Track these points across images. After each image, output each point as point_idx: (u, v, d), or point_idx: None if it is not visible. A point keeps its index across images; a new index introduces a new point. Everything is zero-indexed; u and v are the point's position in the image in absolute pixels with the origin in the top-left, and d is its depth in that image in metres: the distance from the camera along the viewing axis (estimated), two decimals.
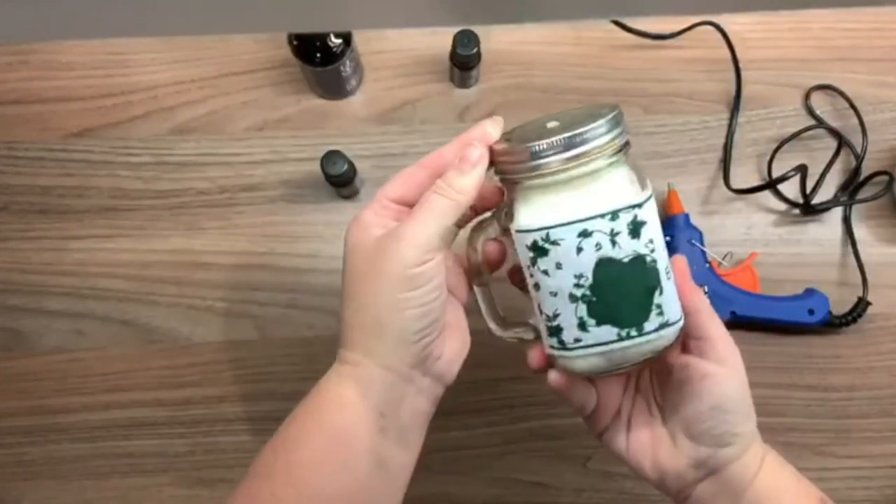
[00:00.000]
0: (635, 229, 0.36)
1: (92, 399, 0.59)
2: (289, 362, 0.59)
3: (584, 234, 0.36)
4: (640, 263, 0.37)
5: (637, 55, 0.63)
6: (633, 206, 0.36)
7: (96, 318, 0.60)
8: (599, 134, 0.36)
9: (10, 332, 0.60)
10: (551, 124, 0.38)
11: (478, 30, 0.57)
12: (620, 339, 0.37)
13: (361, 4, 0.22)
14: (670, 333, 0.38)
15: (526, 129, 0.40)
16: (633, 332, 0.37)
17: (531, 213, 0.37)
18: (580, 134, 0.35)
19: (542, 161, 0.36)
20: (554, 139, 0.35)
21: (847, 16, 0.64)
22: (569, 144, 0.35)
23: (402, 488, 0.40)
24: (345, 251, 0.40)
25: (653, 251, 0.37)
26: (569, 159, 0.36)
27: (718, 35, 0.62)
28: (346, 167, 0.55)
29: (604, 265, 0.36)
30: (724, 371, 0.40)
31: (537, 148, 0.36)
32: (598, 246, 0.36)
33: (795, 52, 0.63)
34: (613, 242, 0.36)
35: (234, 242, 0.60)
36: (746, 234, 0.61)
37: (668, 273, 0.38)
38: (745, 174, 0.62)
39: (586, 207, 0.36)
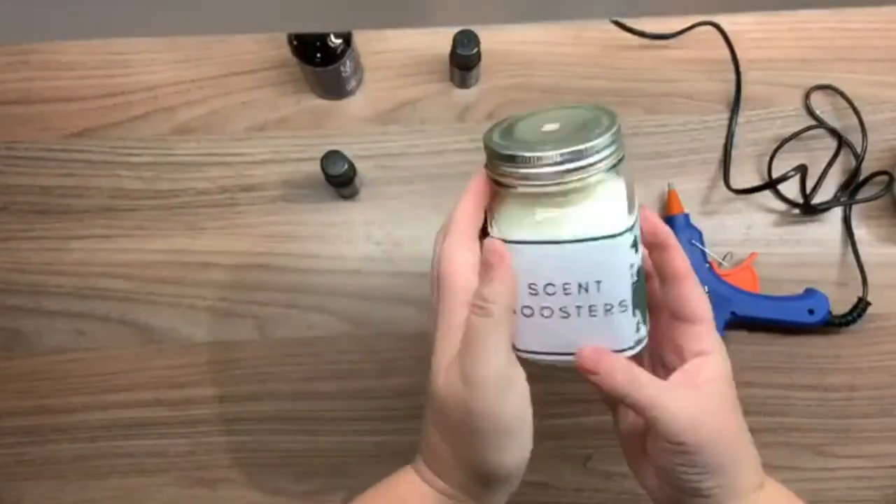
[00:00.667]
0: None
1: (92, 399, 0.59)
2: (289, 362, 0.59)
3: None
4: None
5: (637, 55, 0.63)
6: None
7: (96, 318, 0.60)
8: (598, 149, 0.34)
9: (10, 332, 0.60)
10: (549, 127, 0.37)
11: (478, 30, 0.57)
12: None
13: (362, 4, 0.22)
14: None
15: (524, 123, 0.38)
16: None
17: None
18: (578, 151, 0.34)
19: (533, 171, 0.34)
20: (551, 153, 0.34)
21: (847, 16, 0.64)
22: (565, 160, 0.34)
23: None
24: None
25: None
26: (562, 173, 0.34)
27: (718, 35, 0.62)
28: (346, 167, 0.55)
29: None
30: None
31: (530, 158, 0.34)
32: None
33: (795, 52, 0.63)
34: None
35: (234, 242, 0.60)
36: (746, 234, 0.61)
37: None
38: (745, 174, 0.62)
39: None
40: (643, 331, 0.38)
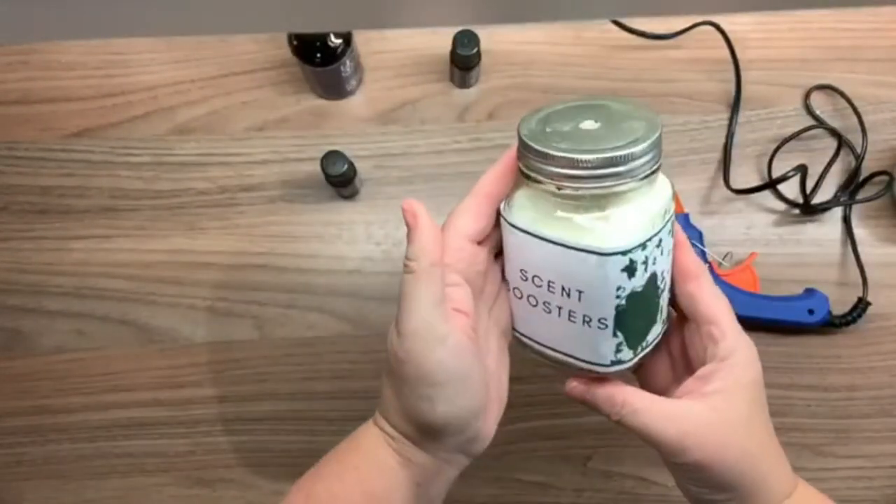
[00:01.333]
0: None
1: (92, 399, 0.59)
2: (289, 362, 0.59)
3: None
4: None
5: (637, 55, 0.63)
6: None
7: (96, 318, 0.60)
8: (639, 155, 0.33)
9: (10, 332, 0.60)
10: (587, 124, 0.35)
11: (478, 30, 0.57)
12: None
13: (362, 4, 0.22)
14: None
15: (560, 117, 0.37)
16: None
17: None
18: (620, 157, 0.32)
19: (572, 172, 0.33)
20: (593, 157, 0.32)
21: (847, 16, 0.64)
22: (606, 163, 0.32)
23: None
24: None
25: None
26: (600, 178, 0.33)
27: (718, 35, 0.62)
28: (346, 167, 0.55)
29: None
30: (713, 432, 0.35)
31: (572, 160, 0.33)
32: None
33: (795, 52, 0.63)
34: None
35: (234, 242, 0.60)
36: (746, 234, 0.61)
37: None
38: (745, 174, 0.62)
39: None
40: (626, 355, 0.37)
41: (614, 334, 0.36)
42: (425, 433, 0.37)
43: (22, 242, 0.60)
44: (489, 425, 0.39)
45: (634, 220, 0.34)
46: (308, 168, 0.61)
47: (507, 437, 0.59)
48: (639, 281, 0.35)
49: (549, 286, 0.36)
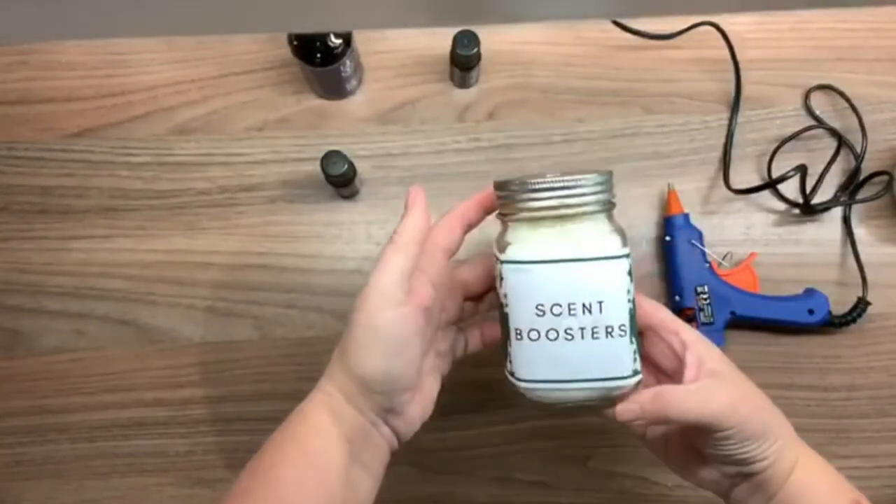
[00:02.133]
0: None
1: (92, 399, 0.59)
2: (289, 362, 0.59)
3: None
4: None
5: (637, 55, 0.63)
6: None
7: (96, 318, 0.60)
8: (588, 184, 0.39)
9: (10, 332, 0.60)
10: (551, 174, 0.41)
11: (478, 30, 0.57)
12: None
13: (361, 4, 0.22)
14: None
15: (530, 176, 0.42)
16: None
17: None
18: (571, 180, 0.39)
19: (529, 196, 0.39)
20: (544, 179, 0.39)
21: (847, 16, 0.64)
22: (556, 186, 0.39)
23: None
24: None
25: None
26: (555, 198, 0.39)
27: (718, 35, 0.62)
28: (346, 167, 0.55)
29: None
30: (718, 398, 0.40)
31: (526, 185, 0.39)
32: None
33: (795, 52, 0.63)
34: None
35: (234, 242, 0.60)
36: (746, 234, 0.61)
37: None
38: (745, 174, 0.62)
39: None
40: (639, 364, 0.40)
41: (630, 341, 0.39)
42: (358, 383, 0.40)
43: (22, 242, 0.60)
44: (413, 413, 0.42)
45: (619, 229, 0.41)
46: (308, 168, 0.61)
47: (508, 437, 0.59)
48: (633, 284, 0.40)
49: (569, 309, 0.39)
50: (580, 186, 0.39)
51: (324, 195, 0.61)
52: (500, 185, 0.41)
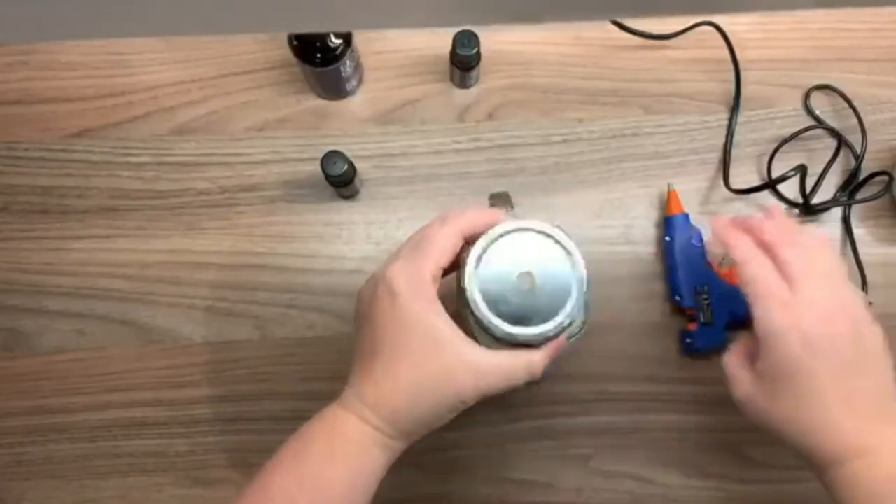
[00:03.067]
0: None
1: (92, 399, 0.59)
2: (289, 362, 0.60)
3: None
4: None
5: (637, 55, 0.63)
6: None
7: (96, 318, 0.60)
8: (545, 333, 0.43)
9: (10, 332, 0.60)
10: (522, 276, 0.43)
11: (478, 30, 0.57)
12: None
13: (361, 4, 0.22)
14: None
15: (498, 255, 0.44)
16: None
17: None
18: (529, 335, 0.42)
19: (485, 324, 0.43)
20: (503, 329, 0.42)
21: (847, 16, 0.64)
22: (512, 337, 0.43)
23: None
24: (391, 304, 0.41)
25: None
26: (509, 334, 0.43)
27: (718, 35, 0.62)
28: (346, 167, 0.55)
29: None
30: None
31: (485, 321, 0.42)
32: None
33: (795, 53, 0.63)
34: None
35: (234, 242, 0.60)
36: None
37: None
38: (745, 174, 0.62)
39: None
40: None
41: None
42: (401, 430, 0.41)
43: (22, 242, 0.60)
44: None
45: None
46: (308, 168, 0.61)
47: (507, 437, 0.59)
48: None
49: None
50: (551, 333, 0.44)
51: (324, 195, 0.61)
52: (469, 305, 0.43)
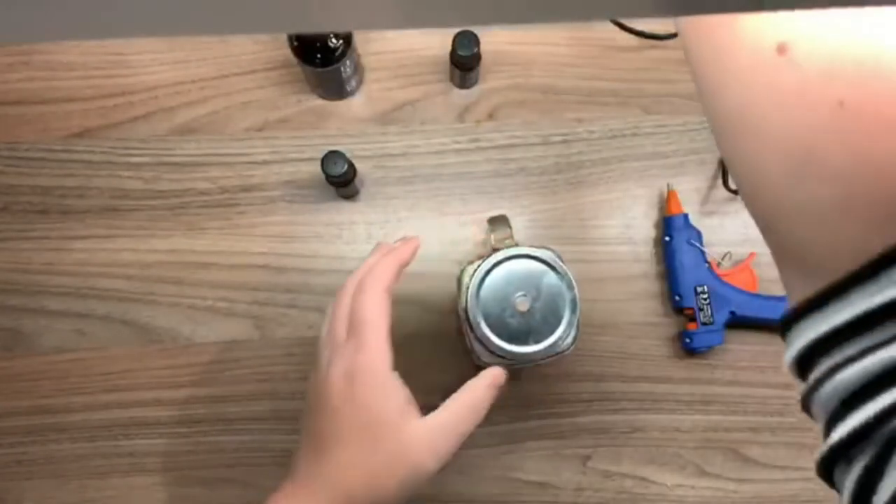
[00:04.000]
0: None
1: (92, 399, 0.59)
2: (289, 362, 0.60)
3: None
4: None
5: (637, 55, 0.63)
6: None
7: (97, 317, 0.60)
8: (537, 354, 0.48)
9: (10, 332, 0.60)
10: (520, 298, 0.48)
11: (478, 30, 0.57)
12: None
13: (361, 4, 0.22)
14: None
15: (496, 279, 0.49)
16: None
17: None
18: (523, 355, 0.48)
19: (484, 343, 0.48)
20: (503, 347, 0.48)
21: None
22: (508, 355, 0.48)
23: None
24: (346, 394, 0.41)
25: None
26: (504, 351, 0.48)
27: None
28: (346, 167, 0.55)
29: None
30: None
31: (485, 340, 0.47)
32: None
33: None
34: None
35: (235, 242, 0.61)
36: (745, 233, 0.61)
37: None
38: None
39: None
40: None
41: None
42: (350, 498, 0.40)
43: (22, 242, 0.60)
44: None
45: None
46: (308, 168, 0.61)
47: (507, 437, 0.59)
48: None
49: None
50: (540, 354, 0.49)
51: (324, 195, 0.61)
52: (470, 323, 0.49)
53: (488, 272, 0.48)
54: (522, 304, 0.48)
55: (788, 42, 0.22)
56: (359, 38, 0.60)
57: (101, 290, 0.60)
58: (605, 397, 0.59)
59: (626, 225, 0.61)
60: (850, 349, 0.22)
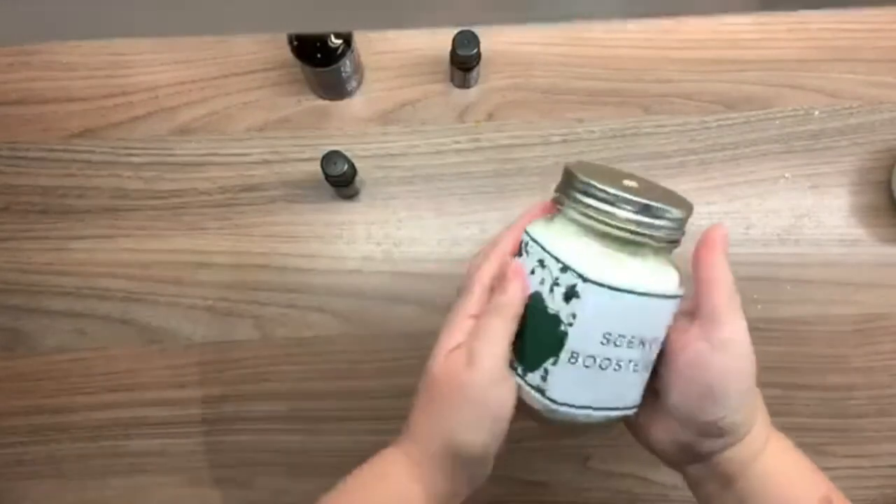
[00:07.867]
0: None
1: (93, 398, 0.59)
2: (289, 362, 0.60)
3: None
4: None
5: (637, 55, 0.63)
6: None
7: (97, 317, 0.60)
8: (671, 218, 0.36)
9: (11, 332, 0.60)
10: (629, 182, 0.38)
11: (478, 30, 0.57)
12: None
13: (361, 4, 0.22)
14: (623, 414, 0.39)
15: (598, 171, 0.39)
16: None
17: (600, 267, 0.36)
18: (660, 209, 0.36)
19: (611, 209, 0.36)
20: (636, 198, 0.36)
21: (846, 16, 0.64)
22: (645, 210, 0.36)
23: None
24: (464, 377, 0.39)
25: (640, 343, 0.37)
26: (662, 228, 0.36)
27: (718, 35, 0.62)
28: (346, 167, 0.55)
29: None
30: (721, 358, 0.37)
31: (616, 195, 0.36)
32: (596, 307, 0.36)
33: (794, 53, 0.64)
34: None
35: (235, 242, 0.61)
36: (746, 234, 0.61)
37: (651, 364, 0.39)
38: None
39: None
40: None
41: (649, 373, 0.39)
42: (456, 460, 0.40)
43: (23, 242, 0.61)
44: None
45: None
46: (308, 168, 0.61)
47: (507, 436, 0.59)
48: None
49: (630, 342, 0.37)
50: (681, 219, 0.37)
51: (324, 195, 0.61)
52: (584, 186, 0.37)
53: None
54: None
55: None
56: (359, 38, 0.60)
57: (101, 289, 0.60)
58: None
59: None
60: None
